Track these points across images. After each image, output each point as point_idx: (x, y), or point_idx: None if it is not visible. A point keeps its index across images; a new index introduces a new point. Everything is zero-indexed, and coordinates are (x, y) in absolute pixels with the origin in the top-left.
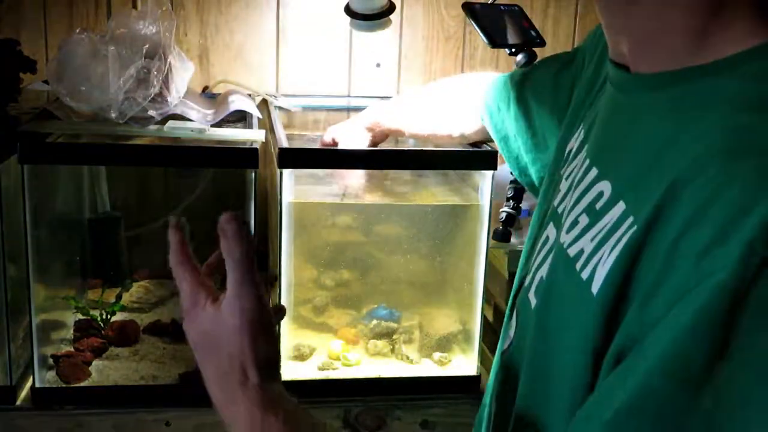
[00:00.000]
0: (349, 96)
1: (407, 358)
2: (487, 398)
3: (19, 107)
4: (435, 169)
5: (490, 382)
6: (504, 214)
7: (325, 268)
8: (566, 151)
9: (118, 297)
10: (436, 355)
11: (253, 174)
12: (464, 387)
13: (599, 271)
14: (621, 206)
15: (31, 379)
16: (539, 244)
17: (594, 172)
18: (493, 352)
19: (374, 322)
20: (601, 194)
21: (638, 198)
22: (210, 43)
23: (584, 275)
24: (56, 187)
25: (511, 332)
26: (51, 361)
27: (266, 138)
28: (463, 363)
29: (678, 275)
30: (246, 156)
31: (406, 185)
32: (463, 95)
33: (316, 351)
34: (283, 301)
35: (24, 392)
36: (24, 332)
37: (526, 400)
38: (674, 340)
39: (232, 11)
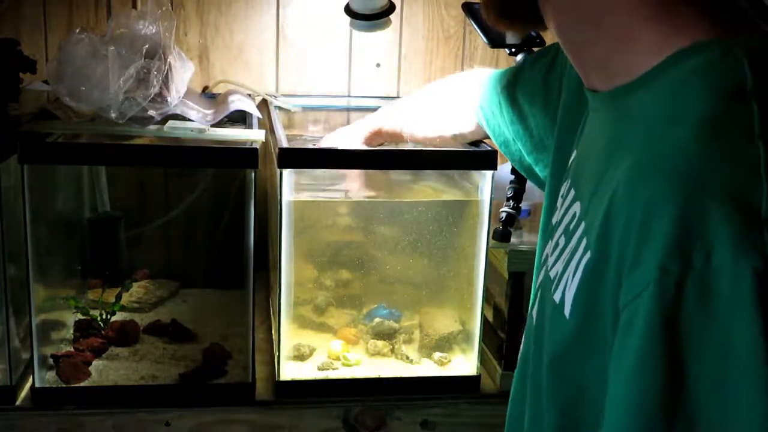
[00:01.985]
0: (349, 96)
1: (407, 358)
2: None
3: (19, 107)
4: (435, 169)
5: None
6: (504, 214)
7: (325, 268)
8: (566, 167)
9: (118, 297)
10: (436, 355)
11: (253, 174)
12: (464, 387)
13: (567, 295)
14: (581, 227)
15: (31, 379)
16: (542, 262)
17: (572, 193)
18: (493, 352)
19: (376, 320)
20: (574, 215)
21: (589, 220)
22: (210, 43)
23: (556, 298)
24: (56, 187)
25: (521, 348)
26: (51, 361)
27: (266, 138)
28: (463, 363)
29: (621, 303)
30: (246, 156)
31: (408, 184)
32: (460, 97)
33: (316, 351)
34: (283, 301)
35: (24, 392)
36: (24, 332)
37: (532, 414)
38: (626, 388)
39: (232, 11)
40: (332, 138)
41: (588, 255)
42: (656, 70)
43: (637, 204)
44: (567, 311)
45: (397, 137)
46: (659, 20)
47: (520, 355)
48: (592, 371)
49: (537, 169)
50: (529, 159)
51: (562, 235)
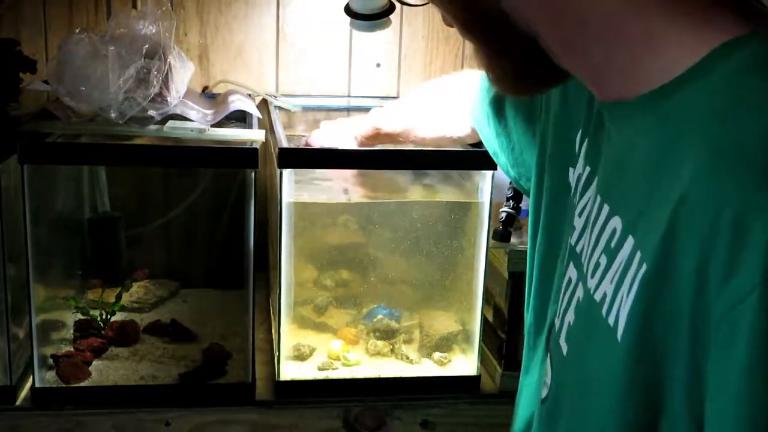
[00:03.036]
0: (349, 96)
1: (407, 358)
2: None
3: (19, 107)
4: (435, 169)
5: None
6: (504, 214)
7: (325, 268)
8: (571, 182)
9: (118, 297)
10: (436, 355)
11: (253, 174)
12: (464, 387)
13: (621, 316)
14: (630, 242)
15: (31, 379)
16: (563, 285)
17: (606, 209)
18: (493, 352)
19: (378, 317)
20: (614, 231)
21: (644, 231)
22: (210, 43)
23: (611, 321)
24: (56, 187)
25: (548, 380)
26: (51, 361)
27: (266, 138)
28: (463, 363)
29: (712, 317)
30: (246, 156)
31: (407, 185)
32: (458, 102)
33: (316, 351)
34: (283, 301)
35: (24, 392)
36: (24, 332)
37: None
38: (735, 404)
39: (232, 11)
40: (326, 133)
41: (644, 268)
42: (700, 66)
43: (723, 202)
44: (620, 332)
45: (394, 139)
46: (684, 19)
47: (547, 394)
48: (658, 395)
49: (522, 181)
50: (513, 172)
51: (603, 255)
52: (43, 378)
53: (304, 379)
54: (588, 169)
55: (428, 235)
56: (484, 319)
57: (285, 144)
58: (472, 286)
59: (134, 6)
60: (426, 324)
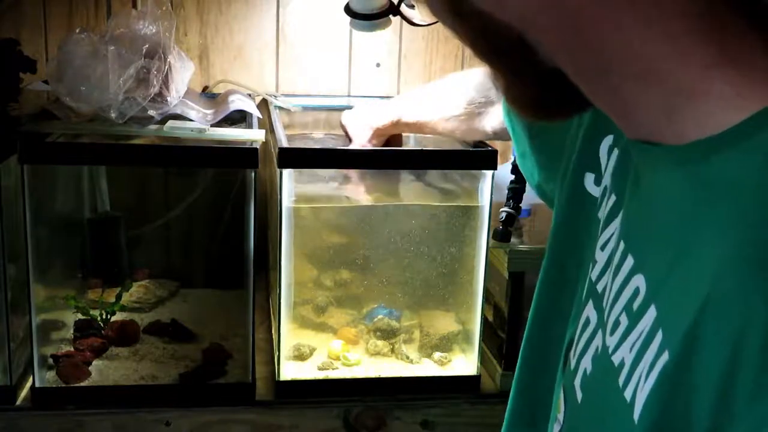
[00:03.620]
0: (349, 96)
1: (407, 358)
2: None
3: (19, 107)
4: (435, 169)
5: None
6: (504, 214)
7: (325, 268)
8: (587, 187)
9: (118, 297)
10: (436, 355)
11: (253, 174)
12: (464, 387)
13: (639, 397)
14: (652, 313)
15: (31, 379)
16: (581, 324)
17: (630, 261)
18: (493, 352)
19: (378, 316)
20: (637, 291)
21: (666, 304)
22: (210, 43)
23: (627, 395)
24: (56, 187)
25: (560, 416)
26: (51, 361)
27: (266, 138)
28: (463, 363)
29: (735, 424)
30: (246, 156)
31: (408, 184)
32: (490, 98)
33: (316, 351)
34: (283, 301)
35: (24, 392)
36: (24, 332)
37: None
38: None
39: (232, 11)
40: (350, 118)
41: (665, 356)
42: (742, 129)
43: (755, 310)
44: (636, 415)
45: (415, 129)
46: (728, 67)
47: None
48: None
49: (547, 187)
50: (538, 176)
51: (623, 314)
52: (43, 378)
53: (304, 379)
54: (614, 197)
55: (428, 234)
56: (484, 319)
57: (285, 144)
58: (473, 285)
59: (134, 6)
60: (426, 324)
